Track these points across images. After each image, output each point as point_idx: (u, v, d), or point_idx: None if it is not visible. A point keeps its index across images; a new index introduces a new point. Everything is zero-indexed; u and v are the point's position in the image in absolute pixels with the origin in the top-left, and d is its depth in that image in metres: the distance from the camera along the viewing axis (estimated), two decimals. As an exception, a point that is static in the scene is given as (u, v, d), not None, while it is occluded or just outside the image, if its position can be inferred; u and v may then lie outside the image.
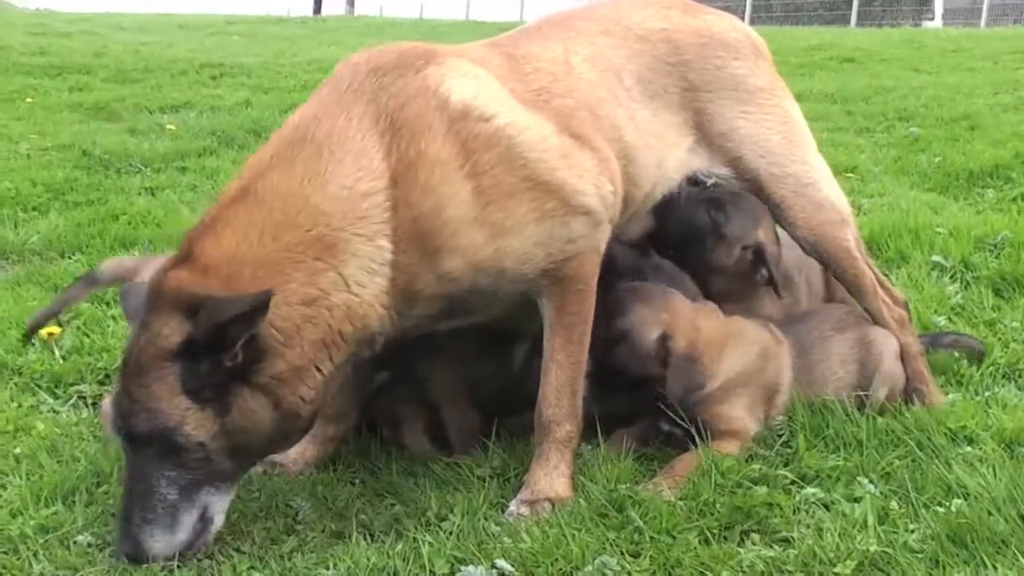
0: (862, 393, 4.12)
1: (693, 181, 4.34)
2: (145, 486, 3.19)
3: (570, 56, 3.97)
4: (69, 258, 6.63)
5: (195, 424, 3.14)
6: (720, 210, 4.32)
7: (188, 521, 3.24)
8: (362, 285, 3.32)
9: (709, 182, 4.34)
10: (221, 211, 3.33)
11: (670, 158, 4.16)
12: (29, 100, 12.81)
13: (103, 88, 14.02)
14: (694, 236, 4.34)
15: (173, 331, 3.11)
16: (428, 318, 3.57)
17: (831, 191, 4.42)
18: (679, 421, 3.82)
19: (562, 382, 3.67)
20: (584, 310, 3.69)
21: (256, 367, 3.17)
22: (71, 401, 4.58)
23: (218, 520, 3.32)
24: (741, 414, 3.88)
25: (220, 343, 3.07)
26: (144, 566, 3.21)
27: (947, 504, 3.38)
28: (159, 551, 3.21)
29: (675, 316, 3.89)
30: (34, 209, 7.86)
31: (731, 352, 3.93)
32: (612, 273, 4.02)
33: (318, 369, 3.30)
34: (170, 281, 3.18)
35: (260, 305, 3.03)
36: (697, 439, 3.76)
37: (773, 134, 4.31)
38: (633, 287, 4.06)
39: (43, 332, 5.02)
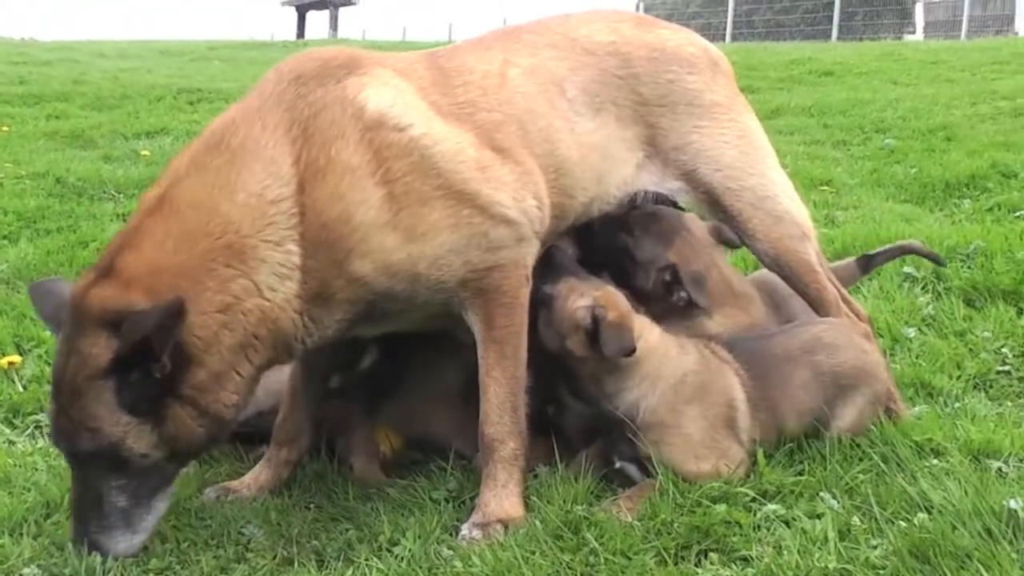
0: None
1: (657, 200, 4.30)
2: (95, 497, 3.26)
3: (508, 68, 3.94)
4: (37, 287, 6.56)
5: (136, 437, 3.20)
6: (629, 234, 4.27)
7: (144, 524, 3.35)
8: (273, 290, 3.35)
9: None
10: (140, 221, 3.38)
11: (614, 172, 4.10)
12: (6, 129, 12.77)
13: (80, 116, 13.99)
14: (612, 262, 4.28)
15: (102, 349, 3.15)
16: (346, 323, 3.56)
17: (791, 205, 4.35)
18: (631, 454, 3.70)
19: (502, 399, 3.63)
20: (514, 325, 3.65)
21: (181, 376, 3.20)
22: (28, 431, 4.55)
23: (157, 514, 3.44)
24: (701, 445, 3.69)
25: (147, 355, 3.11)
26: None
27: (911, 518, 3.32)
28: (122, 551, 3.31)
29: (608, 296, 3.75)
30: (4, 238, 7.81)
31: (669, 361, 3.79)
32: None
33: (238, 373, 3.34)
34: (92, 299, 3.20)
35: (174, 312, 3.08)
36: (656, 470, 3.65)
37: (729, 148, 4.26)
38: (573, 267, 3.96)
39: (3, 361, 5.00)
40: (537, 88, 3.95)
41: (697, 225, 4.46)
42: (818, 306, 4.33)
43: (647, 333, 3.77)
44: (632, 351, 3.62)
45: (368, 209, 3.40)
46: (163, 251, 3.26)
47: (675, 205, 4.46)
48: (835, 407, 3.89)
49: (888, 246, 5.21)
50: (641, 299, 4.13)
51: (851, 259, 5.06)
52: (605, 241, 4.27)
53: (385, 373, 4.25)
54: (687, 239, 4.33)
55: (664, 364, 3.75)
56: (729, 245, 4.54)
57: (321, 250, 3.39)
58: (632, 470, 3.70)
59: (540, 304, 3.76)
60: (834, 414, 3.88)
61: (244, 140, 3.42)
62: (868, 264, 5.04)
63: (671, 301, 4.20)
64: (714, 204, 4.26)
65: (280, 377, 4.03)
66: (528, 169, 3.74)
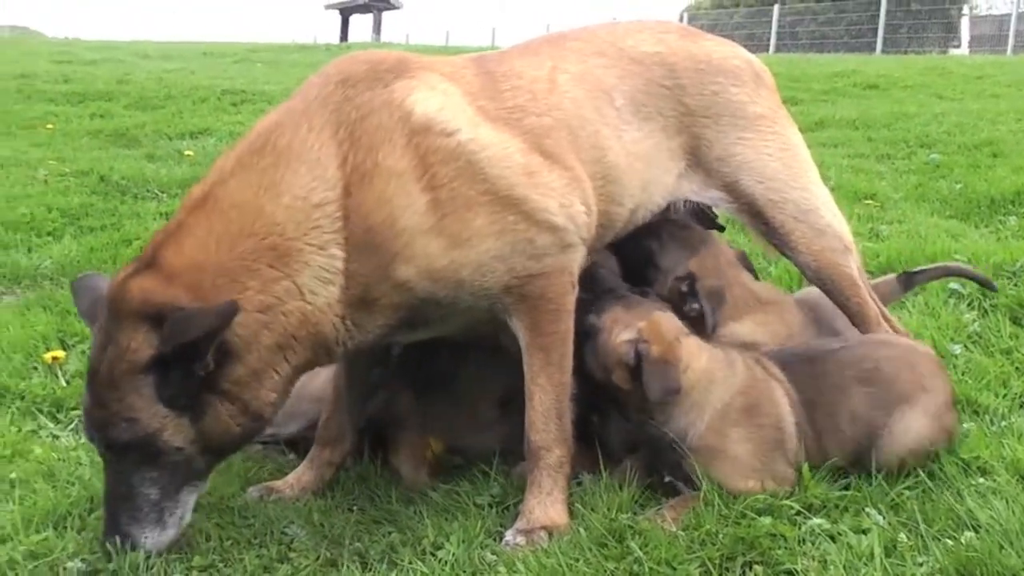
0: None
1: (697, 209, 4.34)
2: (129, 490, 3.26)
3: (557, 74, 3.95)
4: (80, 283, 6.60)
5: (173, 431, 3.21)
6: (656, 239, 4.30)
7: (174, 519, 3.34)
8: (315, 293, 3.35)
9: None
10: (184, 217, 3.38)
11: (657, 182, 4.12)
12: (50, 127, 12.90)
13: (124, 115, 14.12)
14: (636, 266, 4.33)
15: (141, 344, 3.15)
16: (388, 328, 3.55)
17: (833, 219, 4.35)
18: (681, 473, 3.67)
19: (547, 406, 3.61)
20: (560, 332, 3.63)
21: (221, 373, 3.21)
22: (71, 425, 4.56)
23: (189, 516, 3.42)
24: (749, 466, 3.65)
25: (190, 355, 3.12)
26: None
27: (957, 536, 3.29)
28: (151, 546, 3.30)
29: (654, 327, 3.70)
30: (48, 234, 7.91)
31: (716, 386, 3.73)
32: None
33: (276, 372, 3.34)
34: (132, 291, 3.20)
35: (226, 316, 3.09)
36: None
37: (772, 160, 4.27)
38: (622, 294, 3.96)
39: (47, 356, 5.02)
40: (586, 94, 3.96)
41: (724, 246, 4.49)
42: (859, 321, 4.31)
43: (694, 361, 3.72)
44: (677, 391, 3.61)
45: (413, 214, 3.39)
46: (207, 249, 3.27)
47: (712, 218, 4.49)
48: (881, 432, 3.78)
49: (934, 265, 5.16)
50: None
51: (892, 276, 5.02)
52: (632, 245, 4.29)
53: (429, 380, 4.23)
54: (711, 253, 4.35)
55: (711, 390, 3.71)
56: (750, 272, 4.54)
57: (365, 254, 3.38)
58: (681, 485, 3.68)
59: (585, 336, 3.73)
60: (880, 436, 3.78)
61: (290, 142, 3.42)
62: (910, 281, 4.99)
63: (683, 311, 4.17)
64: (756, 215, 4.26)
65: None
66: (576, 175, 3.74)
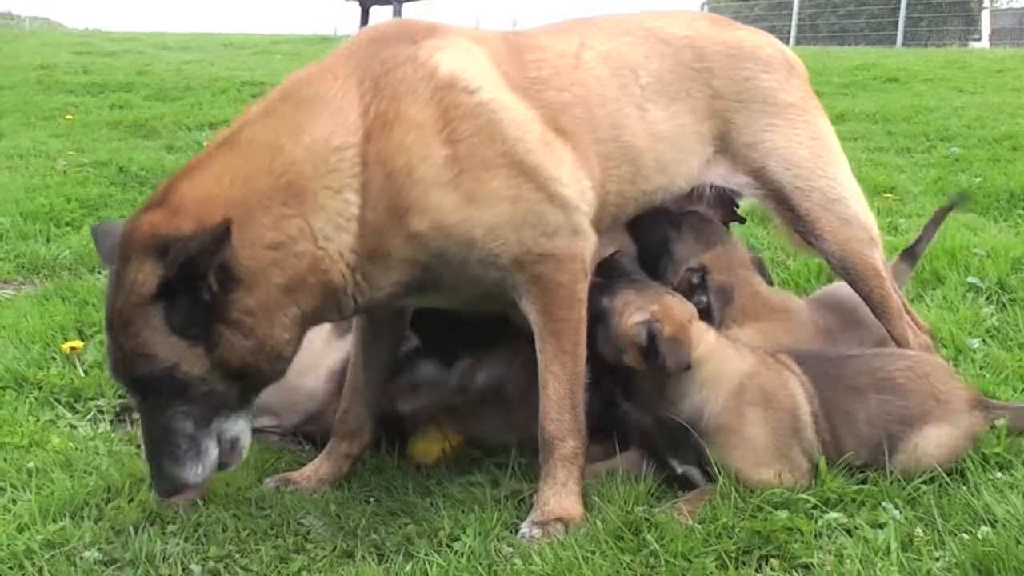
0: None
1: (723, 194, 4.35)
2: (162, 426, 3.26)
3: (583, 51, 3.98)
4: (99, 273, 6.63)
5: (190, 361, 3.20)
6: (675, 228, 4.32)
7: (210, 446, 3.32)
8: (328, 239, 3.34)
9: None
10: (202, 158, 3.41)
11: (682, 164, 4.13)
12: (69, 117, 12.93)
13: (143, 106, 14.15)
14: (650, 253, 4.35)
15: (148, 275, 3.15)
16: (397, 287, 3.53)
17: (860, 210, 4.37)
18: (695, 460, 3.68)
19: (561, 395, 3.61)
20: (572, 320, 3.62)
21: (229, 301, 3.20)
22: (89, 415, 4.58)
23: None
24: (764, 451, 3.65)
25: (193, 278, 3.11)
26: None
27: (973, 531, 3.28)
28: (194, 480, 3.31)
29: (666, 310, 3.70)
30: (67, 225, 7.94)
31: (728, 364, 3.76)
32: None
33: (285, 313, 3.32)
34: (142, 226, 3.21)
35: (220, 235, 3.07)
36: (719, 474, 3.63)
37: (801, 148, 4.28)
38: (634, 278, 3.96)
39: (65, 347, 5.04)
40: (610, 72, 3.98)
41: (740, 246, 4.52)
42: (880, 312, 4.32)
43: (704, 342, 3.73)
44: (688, 366, 3.60)
45: (431, 166, 3.40)
46: (219, 184, 3.27)
47: (735, 207, 4.53)
48: (900, 445, 3.74)
49: (922, 229, 5.13)
50: None
51: (896, 259, 5.01)
52: (650, 229, 4.31)
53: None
54: (727, 251, 4.37)
55: (724, 367, 3.73)
56: (765, 278, 4.55)
57: (380, 203, 3.38)
58: (695, 474, 3.68)
59: (597, 318, 3.72)
60: (898, 449, 3.74)
61: (315, 90, 3.46)
62: (913, 256, 5.02)
63: (691, 303, 4.14)
64: (782, 202, 4.27)
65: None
66: (585, 156, 3.75)
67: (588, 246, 3.69)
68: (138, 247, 3.18)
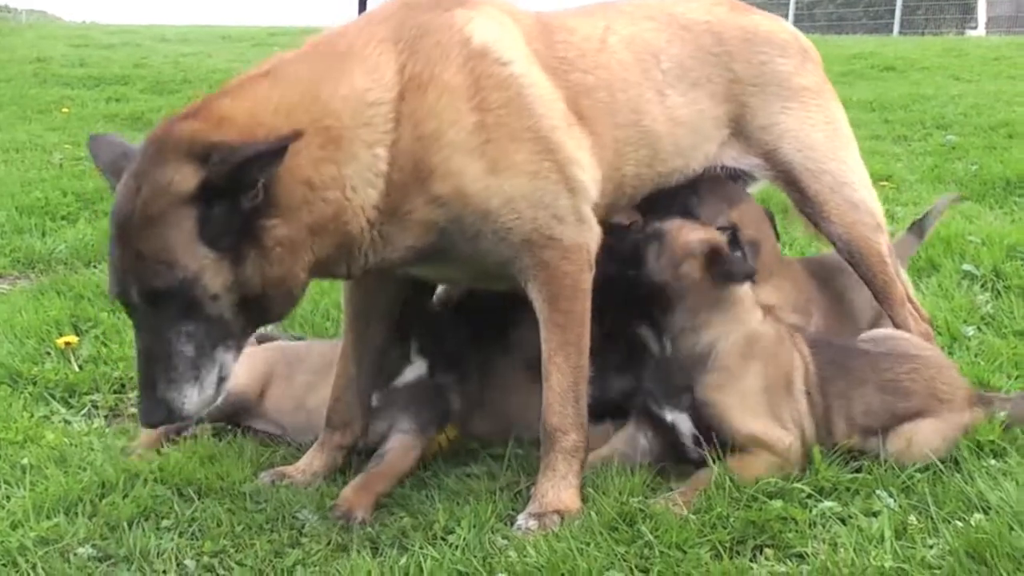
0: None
1: (733, 175, 4.41)
2: (164, 347, 3.14)
3: (608, 35, 4.03)
4: (94, 267, 6.66)
5: (213, 274, 3.10)
6: (694, 193, 4.31)
7: (211, 378, 3.22)
8: (355, 191, 3.32)
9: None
10: (241, 83, 3.38)
11: (699, 148, 4.20)
12: (66, 111, 12.91)
13: (140, 99, 14.14)
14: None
15: (187, 176, 3.04)
16: (411, 251, 3.51)
17: (868, 195, 4.43)
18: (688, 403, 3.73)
19: (564, 388, 3.61)
20: (577, 311, 3.63)
21: (262, 224, 3.14)
22: (84, 411, 4.58)
23: (231, 381, 3.35)
24: (758, 402, 3.68)
25: (238, 186, 3.05)
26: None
27: (967, 518, 3.29)
28: (189, 410, 3.21)
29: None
30: (63, 218, 7.92)
31: (753, 316, 3.83)
32: None
33: (303, 255, 3.28)
34: (181, 131, 3.14)
35: (284, 143, 3.03)
36: (713, 453, 3.64)
37: (814, 131, 4.34)
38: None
39: (60, 341, 5.04)
40: (633, 57, 4.04)
41: (756, 203, 4.54)
42: (883, 297, 4.37)
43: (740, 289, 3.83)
44: (754, 272, 3.77)
45: (460, 131, 3.42)
46: (262, 108, 3.22)
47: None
48: (893, 435, 3.76)
49: (933, 208, 5.19)
50: None
51: (903, 233, 5.04)
52: (669, 201, 4.29)
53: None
54: (750, 208, 4.40)
55: (750, 316, 3.80)
56: (776, 235, 4.58)
57: (408, 163, 3.37)
58: (683, 423, 3.73)
59: (650, 238, 3.80)
60: (891, 439, 3.75)
61: (351, 45, 3.47)
62: (921, 229, 5.09)
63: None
64: (792, 183, 4.34)
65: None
66: (602, 141, 3.80)
67: (593, 237, 3.69)
68: (174, 150, 3.08)
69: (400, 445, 3.98)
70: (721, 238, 3.80)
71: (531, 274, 3.60)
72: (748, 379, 3.69)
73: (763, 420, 3.65)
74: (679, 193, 4.30)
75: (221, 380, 3.25)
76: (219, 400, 3.30)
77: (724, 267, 3.70)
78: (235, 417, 4.28)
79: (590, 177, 3.69)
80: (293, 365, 4.31)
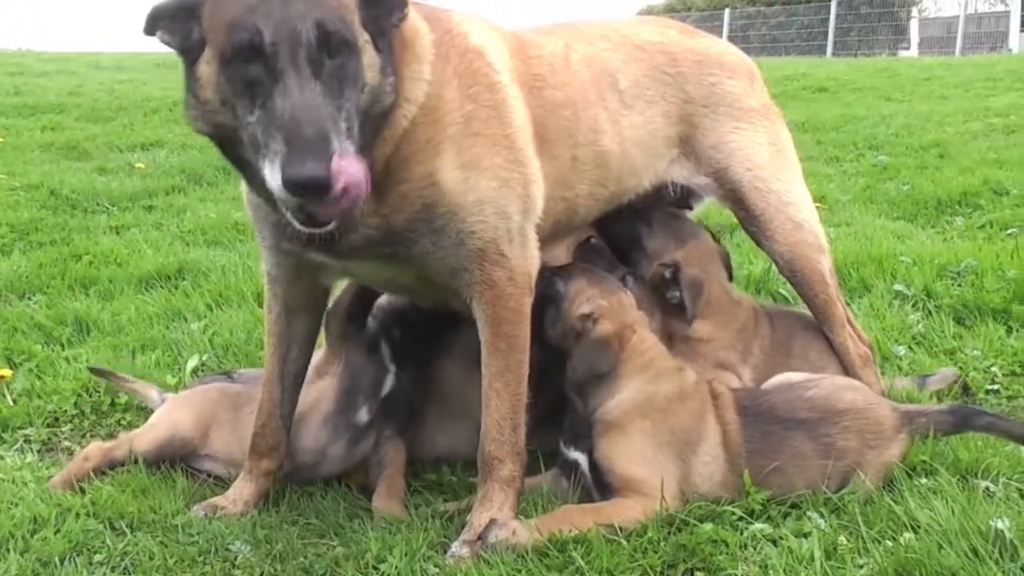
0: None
1: (683, 192, 4.48)
2: (327, 98, 3.02)
3: (570, 52, 4.10)
4: (28, 299, 6.60)
5: (368, 55, 3.19)
6: (646, 224, 4.39)
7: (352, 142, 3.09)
8: (406, 100, 3.39)
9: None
10: None
11: (649, 167, 4.28)
12: (0, 140, 12.77)
13: (75, 127, 14.05)
14: (622, 248, 4.43)
15: None
16: (380, 227, 3.47)
17: (811, 216, 4.51)
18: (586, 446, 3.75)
19: (503, 414, 3.63)
20: (519, 337, 3.65)
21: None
22: (16, 445, 4.52)
23: None
24: (640, 453, 3.67)
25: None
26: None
27: (897, 537, 3.33)
28: (336, 150, 2.97)
29: (614, 308, 3.84)
30: (-3, 250, 7.81)
31: (646, 375, 3.82)
32: None
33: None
34: None
35: None
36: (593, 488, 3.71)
37: (762, 150, 4.43)
38: (593, 268, 4.08)
39: (-9, 376, 4.99)
40: (592, 76, 4.12)
41: (710, 240, 4.58)
42: (824, 319, 4.46)
43: (640, 347, 3.83)
44: (600, 374, 3.74)
45: (456, 112, 3.50)
46: None
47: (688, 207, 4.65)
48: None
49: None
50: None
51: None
52: (621, 227, 4.40)
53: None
54: (698, 247, 4.45)
55: (641, 381, 3.78)
56: (729, 274, 4.61)
57: (421, 134, 3.43)
58: (583, 462, 3.74)
59: (549, 299, 3.84)
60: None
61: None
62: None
63: (665, 297, 4.29)
64: (739, 202, 4.41)
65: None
66: (558, 162, 3.90)
67: (535, 263, 3.73)
68: None
69: (392, 447, 4.09)
70: (603, 318, 3.80)
71: (477, 291, 3.60)
72: (633, 434, 3.68)
73: (643, 467, 3.64)
74: (633, 221, 4.38)
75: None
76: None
77: (577, 356, 3.79)
78: (178, 458, 4.22)
79: (540, 200, 3.74)
80: (239, 406, 4.28)
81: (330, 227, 3.11)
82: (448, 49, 3.55)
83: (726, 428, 3.75)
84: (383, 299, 4.23)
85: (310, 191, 2.91)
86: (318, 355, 4.19)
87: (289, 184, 2.89)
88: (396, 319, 4.24)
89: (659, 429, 3.70)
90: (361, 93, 3.14)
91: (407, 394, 4.20)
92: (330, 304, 4.16)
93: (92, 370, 4.94)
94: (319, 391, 4.13)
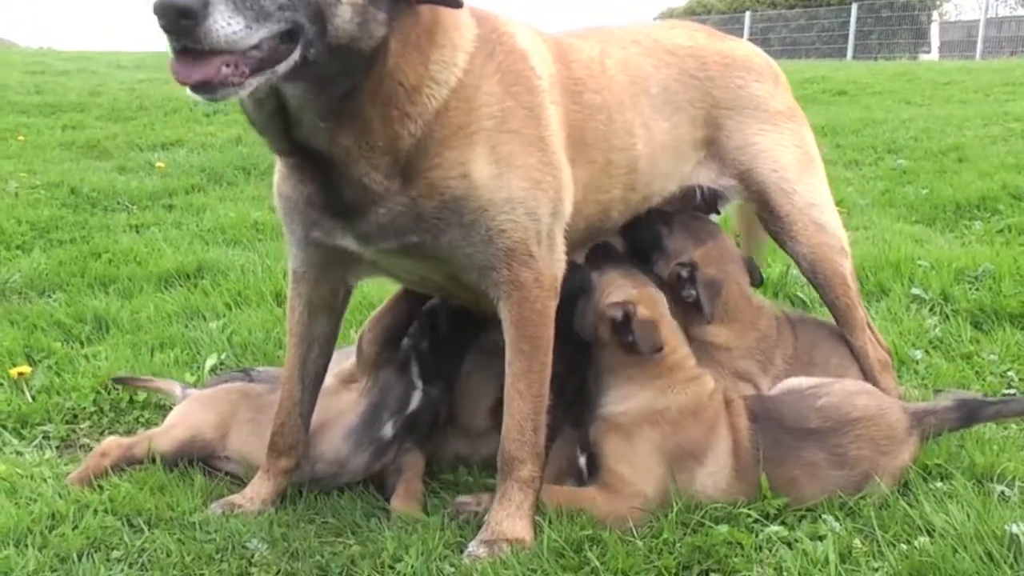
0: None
1: (710, 194, 4.51)
2: None
3: (605, 57, 4.14)
4: (49, 296, 6.62)
5: None
6: (667, 224, 4.41)
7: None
8: (435, 83, 3.42)
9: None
10: None
11: (677, 171, 4.33)
12: (21, 138, 12.85)
13: (96, 126, 14.10)
14: (643, 249, 4.42)
15: None
16: (413, 210, 3.48)
17: (833, 218, 4.53)
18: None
19: (525, 415, 3.63)
20: (543, 339, 3.66)
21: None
22: (35, 441, 4.55)
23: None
24: (636, 457, 3.69)
25: None
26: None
27: (911, 541, 3.34)
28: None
29: (645, 299, 3.89)
30: (17, 248, 7.87)
31: (662, 383, 3.83)
32: None
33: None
34: None
35: None
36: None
37: (787, 152, 4.46)
38: (627, 264, 4.14)
39: (13, 372, 5.02)
40: (627, 80, 4.16)
41: (731, 243, 4.60)
42: (844, 322, 4.48)
43: (667, 350, 3.84)
44: (661, 348, 3.77)
45: (493, 107, 3.52)
46: None
47: (716, 206, 4.66)
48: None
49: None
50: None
51: None
52: (643, 226, 4.40)
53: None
54: (717, 247, 4.44)
55: (660, 384, 3.81)
56: (752, 280, 4.57)
57: (454, 118, 3.45)
58: (583, 463, 3.80)
59: (582, 291, 3.90)
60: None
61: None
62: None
63: (681, 296, 4.28)
64: (764, 203, 4.44)
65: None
66: (593, 166, 3.94)
67: (561, 267, 3.74)
68: None
69: (412, 456, 4.11)
70: (640, 303, 3.84)
71: (504, 291, 3.61)
72: (638, 442, 3.71)
73: (639, 473, 3.66)
74: (654, 223, 4.39)
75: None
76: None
77: (627, 337, 3.78)
78: (197, 458, 4.23)
79: (570, 204, 3.75)
80: (260, 408, 4.29)
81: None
82: (494, 46, 3.59)
83: (737, 436, 3.76)
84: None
85: (167, 15, 2.80)
86: (343, 364, 4.21)
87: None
88: (426, 329, 4.25)
89: (666, 442, 3.71)
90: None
91: (433, 408, 4.20)
92: (367, 326, 4.19)
93: (116, 380, 4.96)
94: (345, 403, 4.14)
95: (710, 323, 4.30)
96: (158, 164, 11.26)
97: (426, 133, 3.41)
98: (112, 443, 4.19)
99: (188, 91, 2.93)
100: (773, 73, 4.62)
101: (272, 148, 3.51)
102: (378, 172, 3.40)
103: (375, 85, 3.28)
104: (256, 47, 2.93)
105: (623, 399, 3.77)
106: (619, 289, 3.90)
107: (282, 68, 3.03)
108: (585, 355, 3.91)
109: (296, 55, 3.05)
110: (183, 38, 2.83)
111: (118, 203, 9.46)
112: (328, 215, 3.59)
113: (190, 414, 4.30)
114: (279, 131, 3.37)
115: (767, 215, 4.47)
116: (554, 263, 3.69)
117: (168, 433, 4.23)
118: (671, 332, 3.92)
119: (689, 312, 4.27)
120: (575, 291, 3.83)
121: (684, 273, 4.28)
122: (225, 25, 2.82)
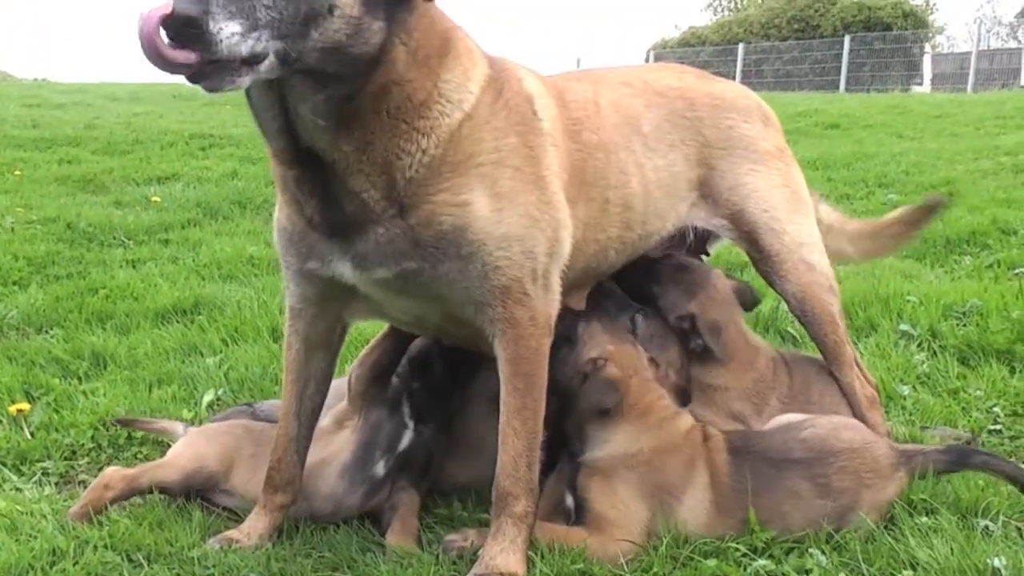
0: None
1: (703, 235, 4.61)
2: None
3: (598, 97, 4.22)
4: (46, 333, 6.67)
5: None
6: (656, 283, 4.46)
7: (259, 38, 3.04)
8: (449, 100, 3.52)
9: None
10: None
11: (672, 210, 4.40)
12: (18, 173, 12.88)
13: (92, 160, 14.12)
14: (641, 302, 4.48)
15: None
16: (410, 236, 3.52)
17: (822, 258, 4.59)
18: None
19: (519, 451, 3.68)
20: (537, 377, 3.70)
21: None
22: (35, 478, 4.58)
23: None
24: (618, 498, 3.75)
25: None
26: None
27: (896, 575, 3.40)
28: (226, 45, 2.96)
29: (621, 356, 3.96)
30: (14, 283, 7.91)
31: (638, 426, 3.89)
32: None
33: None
34: None
35: None
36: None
37: (777, 192, 4.53)
38: (609, 317, 4.21)
39: (12, 409, 5.06)
40: (620, 120, 4.24)
41: (722, 282, 4.63)
42: (833, 359, 4.54)
43: (645, 399, 3.93)
44: (606, 410, 3.85)
45: (500, 142, 3.61)
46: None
47: (705, 252, 4.75)
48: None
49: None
50: None
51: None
52: (634, 285, 4.48)
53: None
54: (710, 294, 4.50)
55: (636, 427, 3.89)
56: (747, 308, 4.68)
57: (463, 146, 3.53)
58: (570, 503, 3.84)
59: (566, 340, 3.93)
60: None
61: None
62: None
63: (689, 347, 4.36)
64: (753, 243, 4.51)
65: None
66: (592, 205, 4.02)
67: (556, 307, 3.79)
68: None
69: (407, 494, 4.13)
70: (612, 359, 3.94)
71: (500, 328, 3.66)
72: (620, 487, 3.76)
73: (614, 512, 3.72)
74: (643, 282, 4.47)
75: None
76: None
77: (584, 392, 3.90)
78: (201, 490, 4.27)
79: (568, 245, 3.82)
80: (262, 443, 4.32)
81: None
82: (503, 84, 3.68)
83: (715, 471, 3.81)
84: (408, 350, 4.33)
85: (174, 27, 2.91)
86: (339, 405, 4.27)
87: None
88: (417, 371, 4.30)
89: (644, 481, 3.77)
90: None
91: (426, 448, 4.24)
92: (356, 363, 4.26)
93: (118, 422, 4.99)
94: (339, 443, 4.20)
95: (725, 366, 4.39)
96: (154, 198, 11.30)
97: (436, 156, 3.48)
98: (115, 474, 4.19)
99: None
100: (763, 114, 4.70)
101: (274, 150, 3.54)
102: (376, 190, 3.46)
103: (377, 91, 3.35)
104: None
105: (600, 444, 3.85)
106: (597, 345, 3.97)
107: (264, 67, 3.08)
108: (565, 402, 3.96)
109: (272, 58, 3.07)
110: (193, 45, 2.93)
111: (114, 238, 9.51)
112: (327, 235, 3.62)
113: (195, 446, 4.33)
114: (280, 130, 3.41)
115: (757, 255, 4.53)
116: (549, 303, 3.74)
117: (173, 463, 4.25)
118: (641, 383, 3.97)
119: (696, 357, 4.37)
120: (560, 340, 3.86)
121: (685, 326, 4.37)
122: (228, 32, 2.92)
